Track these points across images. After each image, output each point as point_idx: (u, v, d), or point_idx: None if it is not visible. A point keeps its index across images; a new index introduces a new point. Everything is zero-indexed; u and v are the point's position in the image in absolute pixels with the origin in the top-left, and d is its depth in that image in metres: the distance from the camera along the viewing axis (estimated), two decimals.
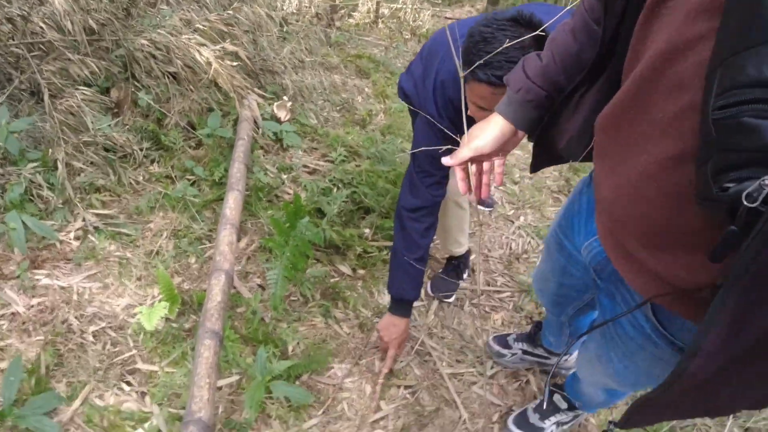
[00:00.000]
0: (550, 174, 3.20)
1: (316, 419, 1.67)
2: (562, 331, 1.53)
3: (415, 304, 2.12)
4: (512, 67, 1.03)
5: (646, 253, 0.73)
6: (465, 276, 2.29)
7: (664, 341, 0.85)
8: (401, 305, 1.74)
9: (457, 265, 2.23)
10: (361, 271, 2.18)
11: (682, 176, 0.60)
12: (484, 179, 1.07)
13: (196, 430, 1.27)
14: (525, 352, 1.87)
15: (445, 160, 1.04)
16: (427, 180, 1.60)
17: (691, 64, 0.58)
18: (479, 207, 2.74)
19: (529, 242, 2.61)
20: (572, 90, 0.91)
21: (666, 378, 0.67)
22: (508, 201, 2.90)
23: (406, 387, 1.82)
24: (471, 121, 1.56)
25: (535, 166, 1.11)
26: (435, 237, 1.88)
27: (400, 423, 1.71)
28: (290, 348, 1.81)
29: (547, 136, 1.01)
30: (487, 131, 0.99)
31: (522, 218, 2.77)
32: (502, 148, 1.02)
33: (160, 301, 1.80)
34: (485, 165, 1.06)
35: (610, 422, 0.89)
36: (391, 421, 1.71)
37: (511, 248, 2.56)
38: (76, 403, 1.58)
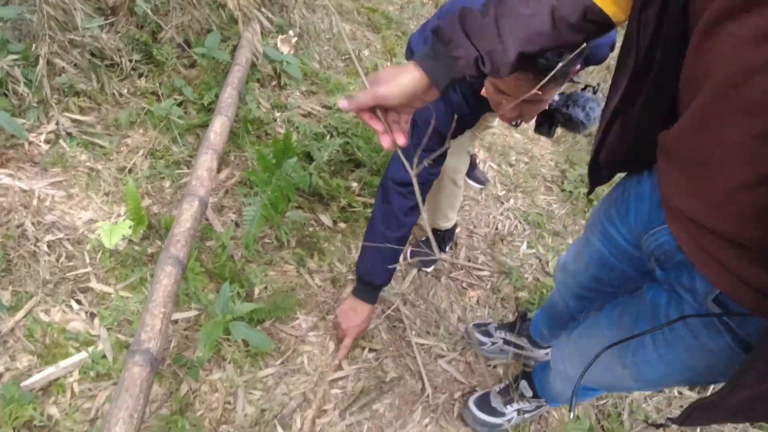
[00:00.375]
0: (546, 163, 3.07)
1: (273, 369, 1.55)
2: (566, 326, 1.41)
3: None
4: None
5: (733, 260, 0.71)
6: (447, 249, 2.17)
7: (725, 329, 0.77)
8: (367, 289, 1.58)
9: (441, 238, 2.11)
10: (342, 225, 2.04)
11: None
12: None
13: (142, 360, 1.13)
14: (506, 341, 1.76)
15: (341, 102, 0.87)
16: (424, 155, 1.43)
17: (759, 90, 0.57)
18: (470, 182, 2.61)
19: (516, 225, 2.49)
20: (613, 114, 0.87)
21: (732, 375, 0.67)
22: (500, 181, 2.77)
23: (371, 350, 1.71)
24: (484, 104, 1.42)
25: (592, 190, 1.08)
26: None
27: (359, 386, 1.60)
28: (256, 291, 1.68)
29: (598, 159, 0.96)
30: (398, 80, 0.83)
31: (512, 201, 2.65)
32: (409, 104, 0.87)
33: (124, 219, 1.64)
34: (391, 116, 0.89)
35: (668, 419, 0.84)
36: (350, 383, 1.60)
37: (497, 228, 2.44)
38: (20, 314, 1.43)
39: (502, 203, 2.61)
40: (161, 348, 1.18)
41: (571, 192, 2.83)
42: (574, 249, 1.26)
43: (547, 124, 1.63)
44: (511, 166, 2.93)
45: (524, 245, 2.38)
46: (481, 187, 2.65)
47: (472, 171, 2.62)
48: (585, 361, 0.93)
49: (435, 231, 2.09)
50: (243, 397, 1.46)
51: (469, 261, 2.20)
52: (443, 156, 1.47)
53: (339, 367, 1.62)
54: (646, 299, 0.92)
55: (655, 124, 0.81)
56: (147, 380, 1.11)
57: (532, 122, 1.60)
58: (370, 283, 1.56)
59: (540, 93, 0.87)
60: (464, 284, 2.09)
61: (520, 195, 2.72)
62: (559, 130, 1.66)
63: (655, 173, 0.90)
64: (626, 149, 0.91)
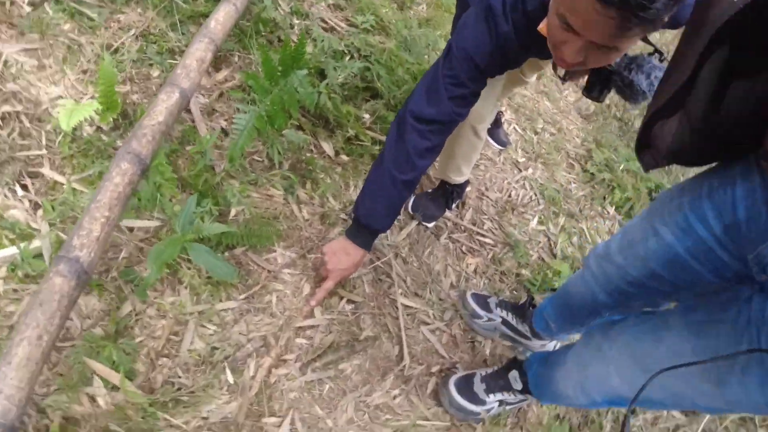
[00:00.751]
0: (573, 139, 2.78)
1: (235, 303, 1.32)
2: (583, 322, 1.18)
3: None
4: None
5: None
6: (453, 206, 1.91)
7: None
8: (363, 233, 1.33)
9: (449, 192, 1.85)
10: (344, 157, 1.77)
11: None
12: None
13: (67, 270, 0.89)
14: (505, 322, 1.52)
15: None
16: (454, 90, 1.15)
17: None
18: (490, 140, 2.34)
19: (530, 197, 2.23)
20: (654, 115, 0.80)
21: None
22: (522, 147, 2.48)
23: (350, 302, 1.48)
24: (536, 43, 1.12)
25: (653, 168, 0.91)
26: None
27: (329, 339, 1.37)
28: (233, 212, 1.43)
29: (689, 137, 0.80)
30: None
31: (531, 170, 2.37)
32: None
33: (93, 101, 1.37)
34: None
35: None
36: (319, 334, 1.38)
37: (509, 196, 2.18)
38: None
39: (520, 170, 2.34)
40: (95, 260, 0.93)
41: (593, 175, 2.56)
42: (626, 237, 1.01)
43: (599, 86, 1.34)
44: (536, 133, 2.64)
45: (535, 220, 2.13)
46: (501, 148, 2.37)
47: (496, 129, 2.34)
48: (644, 371, 0.70)
49: (444, 184, 1.83)
50: (193, 330, 1.23)
51: (474, 225, 1.95)
52: (475, 95, 1.20)
53: (310, 314, 1.39)
54: (754, 309, 0.69)
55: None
56: (69, 296, 0.88)
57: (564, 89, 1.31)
58: (367, 227, 1.31)
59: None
60: (464, 248, 1.84)
61: (540, 166, 2.44)
62: (608, 99, 1.39)
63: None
64: (734, 129, 0.71)
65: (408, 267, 1.65)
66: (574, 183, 2.48)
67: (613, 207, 2.45)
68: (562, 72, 1.20)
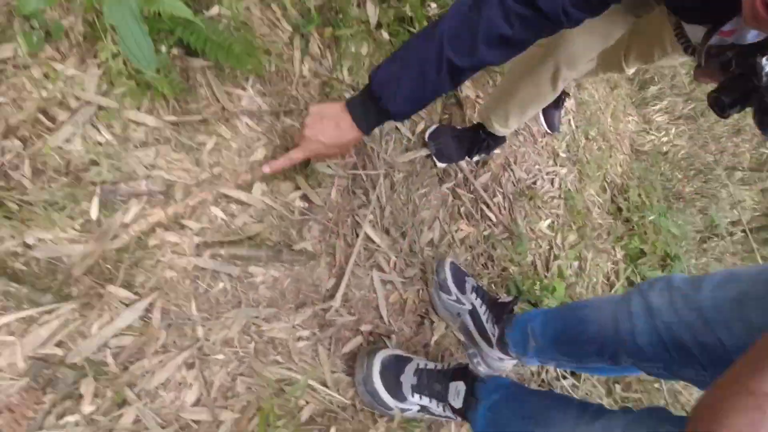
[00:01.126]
0: (615, 165, 2.38)
1: (155, 121, 0.89)
2: (582, 359, 0.84)
3: (400, 126, 1.33)
4: None
5: None
6: (475, 159, 1.50)
7: None
8: (370, 107, 0.89)
9: (480, 141, 1.42)
10: (385, 35, 1.31)
11: None
12: None
13: None
14: (473, 313, 1.14)
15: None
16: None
17: None
18: (541, 119, 1.91)
19: (554, 196, 1.83)
20: None
21: None
22: (567, 143, 2.07)
23: (305, 198, 1.07)
24: None
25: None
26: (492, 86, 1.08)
27: (253, 228, 0.97)
28: (215, 9, 0.98)
29: None
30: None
31: (565, 171, 1.96)
32: None
33: None
34: None
35: None
36: (244, 216, 0.97)
37: (534, 183, 1.77)
38: None
39: (556, 164, 1.93)
40: None
41: (620, 210, 2.19)
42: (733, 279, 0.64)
43: (734, 97, 0.92)
44: (586, 138, 2.23)
45: (547, 222, 1.73)
46: (549, 132, 1.95)
47: (553, 110, 1.92)
48: None
49: (479, 128, 1.41)
50: (79, 125, 0.81)
51: (485, 191, 1.54)
52: (596, 11, 0.78)
53: (248, 185, 0.98)
54: None
55: None
56: None
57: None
58: (378, 100, 0.87)
59: None
60: (463, 210, 1.44)
61: (576, 172, 2.03)
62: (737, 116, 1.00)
63: None
64: None
65: (393, 196, 1.25)
66: (599, 209, 2.09)
67: (623, 252, 2.09)
68: (701, 58, 0.79)
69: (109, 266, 0.80)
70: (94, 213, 0.79)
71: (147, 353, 0.81)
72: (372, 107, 0.87)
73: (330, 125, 0.89)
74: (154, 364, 0.81)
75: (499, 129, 1.36)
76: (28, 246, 0.74)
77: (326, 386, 0.97)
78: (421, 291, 1.21)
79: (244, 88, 1.02)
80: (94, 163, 0.81)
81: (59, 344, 0.74)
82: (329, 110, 0.90)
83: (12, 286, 0.70)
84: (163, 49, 0.85)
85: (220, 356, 0.87)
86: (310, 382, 0.95)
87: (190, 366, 0.84)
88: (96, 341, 0.76)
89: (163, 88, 0.85)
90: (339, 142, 0.91)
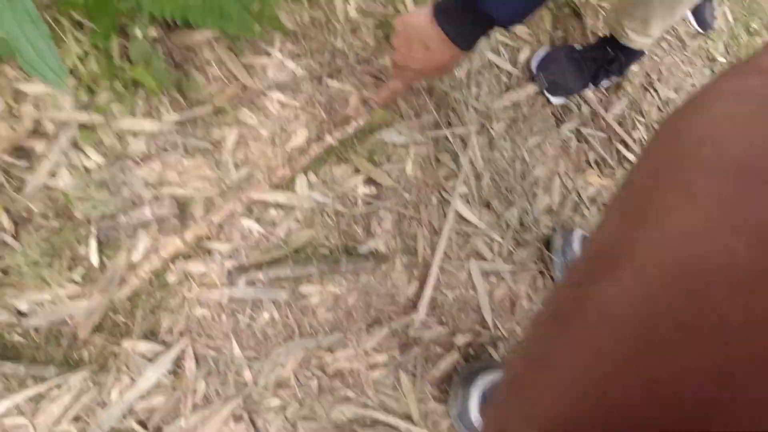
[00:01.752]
0: None
1: (158, 125, 0.67)
2: None
3: (494, 58, 0.98)
4: None
5: None
6: (602, 84, 1.09)
7: None
8: (465, 13, 0.58)
9: (609, 60, 1.01)
10: None
11: None
12: None
13: None
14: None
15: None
16: None
17: None
18: (689, 17, 1.39)
19: None
20: None
21: None
22: (725, 41, 1.50)
23: (370, 182, 0.80)
24: None
25: None
26: None
27: (302, 235, 0.74)
28: None
29: None
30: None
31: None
32: None
33: None
34: None
35: None
36: (289, 222, 0.74)
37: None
38: None
39: (713, 72, 1.40)
40: None
41: None
42: None
43: None
44: (748, 33, 1.62)
45: None
46: (701, 31, 1.41)
47: (705, 3, 1.38)
48: None
49: (606, 44, 1.00)
50: (66, 141, 0.62)
51: (621, 125, 1.13)
52: None
53: (288, 181, 0.74)
54: None
55: None
56: None
57: None
58: (474, 2, 0.56)
59: None
60: (591, 158, 1.07)
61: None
62: None
63: None
64: None
65: (492, 156, 0.92)
66: None
67: None
68: None
69: (122, 318, 0.63)
70: (93, 258, 0.62)
71: (184, 411, 0.64)
72: (467, 14, 0.57)
73: (418, 49, 0.63)
74: (195, 423, 0.64)
75: (635, 38, 0.94)
76: (21, 314, 0.59)
77: (412, 421, 0.75)
78: (541, 279, 0.90)
79: (268, 54, 0.75)
80: (87, 195, 0.63)
81: (76, 419, 0.60)
82: (414, 26, 0.62)
83: (6, 366, 0.57)
84: (138, 33, 0.61)
85: (275, 401, 0.69)
86: (392, 419, 0.73)
87: (238, 419, 0.66)
88: (118, 409, 0.61)
89: (147, 83, 0.62)
90: (433, 65, 0.65)
